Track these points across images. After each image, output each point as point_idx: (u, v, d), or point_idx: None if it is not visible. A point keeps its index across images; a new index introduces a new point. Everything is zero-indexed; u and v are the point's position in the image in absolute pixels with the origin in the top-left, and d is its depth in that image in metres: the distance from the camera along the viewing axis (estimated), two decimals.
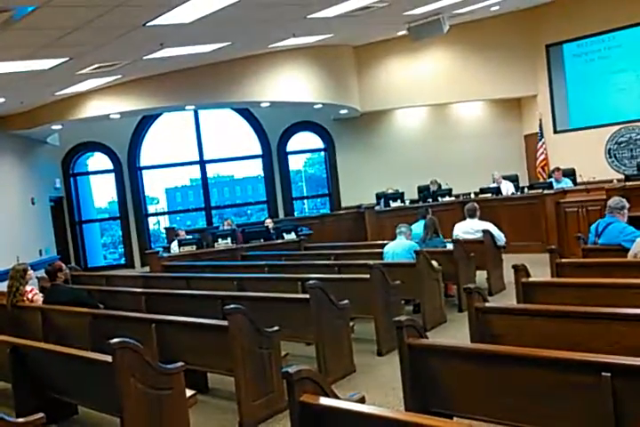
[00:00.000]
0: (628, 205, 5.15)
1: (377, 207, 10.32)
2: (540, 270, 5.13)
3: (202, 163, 12.65)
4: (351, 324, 4.86)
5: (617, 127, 11.26)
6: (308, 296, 4.52)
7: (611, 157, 11.43)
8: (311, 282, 4.54)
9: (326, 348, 4.53)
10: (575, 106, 11.78)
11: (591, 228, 5.39)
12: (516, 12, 11.42)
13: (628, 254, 4.59)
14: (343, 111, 11.81)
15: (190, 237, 9.29)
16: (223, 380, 4.40)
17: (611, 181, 9.49)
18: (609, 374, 2.39)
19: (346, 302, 4.69)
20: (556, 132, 11.93)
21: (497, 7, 10.44)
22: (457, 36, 11.41)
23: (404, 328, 2.97)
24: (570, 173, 10.45)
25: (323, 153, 13.15)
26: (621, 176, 9.88)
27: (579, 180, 10.40)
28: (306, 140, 13.03)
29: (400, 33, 10.55)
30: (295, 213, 12.86)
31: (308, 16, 7.44)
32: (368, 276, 5.22)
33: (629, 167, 10.89)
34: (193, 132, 12.53)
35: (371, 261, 5.42)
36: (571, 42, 11.54)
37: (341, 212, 11.55)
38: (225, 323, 3.89)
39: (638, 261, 4.46)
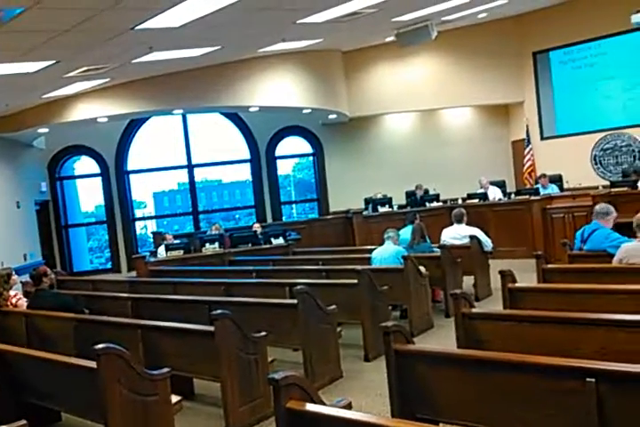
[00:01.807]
0: (614, 212, 5.19)
1: (365, 212, 10.33)
2: (527, 276, 5.16)
3: (190, 167, 12.60)
4: (338, 329, 4.86)
5: (602, 134, 11.38)
6: (295, 301, 4.51)
7: (596, 164, 11.54)
8: (299, 287, 4.54)
9: (313, 353, 4.52)
10: (562, 113, 11.90)
11: (577, 234, 5.42)
12: (503, 19, 11.53)
13: (613, 260, 4.63)
14: (332, 116, 11.84)
15: (178, 241, 9.23)
16: (209, 385, 4.37)
17: (596, 188, 9.58)
18: (593, 380, 2.40)
19: (333, 307, 4.69)
20: (542, 138, 12.03)
21: (484, 14, 10.53)
22: (445, 43, 11.50)
23: (390, 334, 2.97)
24: (556, 180, 10.54)
25: (311, 158, 13.16)
26: (607, 182, 9.99)
27: (565, 186, 10.50)
28: (294, 144, 13.03)
29: (388, 39, 10.59)
30: (284, 218, 12.85)
31: (298, 21, 7.46)
32: (356, 281, 5.22)
33: (615, 174, 11.00)
34: (181, 136, 12.48)
35: (358, 267, 5.42)
36: (557, 49, 11.66)
37: (330, 217, 11.55)
38: (211, 328, 3.87)
39: (623, 266, 4.49)
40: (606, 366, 2.45)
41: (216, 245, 8.54)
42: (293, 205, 14.36)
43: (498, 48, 11.88)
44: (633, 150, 11.12)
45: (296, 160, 14.01)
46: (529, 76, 12.03)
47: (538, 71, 11.97)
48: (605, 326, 3.13)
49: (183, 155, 12.49)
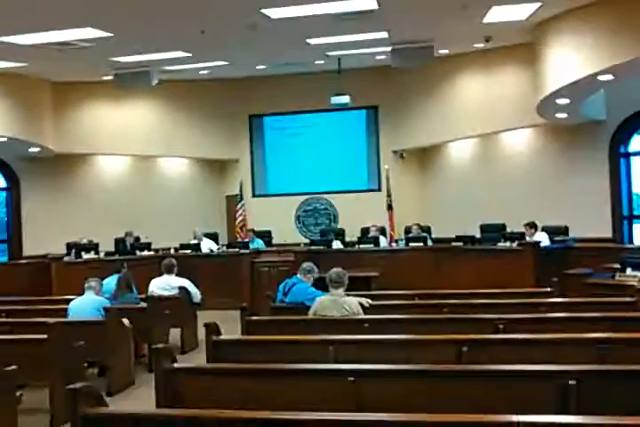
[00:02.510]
0: (316, 271, 5.64)
1: (66, 258, 9.41)
2: (233, 327, 5.22)
3: None
4: (19, 393, 4.17)
5: (305, 197, 12.60)
6: None
7: (300, 223, 12.64)
8: None
9: None
10: (272, 173, 12.85)
11: (279, 287, 5.74)
12: (225, 79, 12.12)
13: (309, 312, 4.97)
14: (34, 149, 10.70)
15: None
16: None
17: (299, 245, 10.45)
18: None
19: (13, 367, 4.02)
20: (254, 195, 12.76)
21: (206, 71, 10.95)
22: (167, 92, 11.59)
23: (79, 396, 2.63)
24: (266, 235, 11.20)
25: (5, 193, 11.62)
26: (307, 241, 10.98)
27: (275, 242, 11.23)
28: None
29: (106, 78, 10.22)
30: None
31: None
32: (45, 336, 4.61)
33: (314, 233, 12.18)
34: None
35: (50, 319, 4.82)
36: (271, 116, 12.70)
37: (23, 261, 10.23)
38: None
39: (316, 318, 4.85)
40: (296, 415, 2.52)
41: None
42: None
43: (218, 105, 12.40)
44: (329, 213, 12.52)
45: None
46: (245, 136, 12.78)
47: (253, 133, 12.81)
48: (300, 376, 3.28)
49: None
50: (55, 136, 10.93)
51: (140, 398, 5.10)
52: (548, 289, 5.94)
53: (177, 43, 8.41)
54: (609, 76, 7.63)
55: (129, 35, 7.67)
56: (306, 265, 5.68)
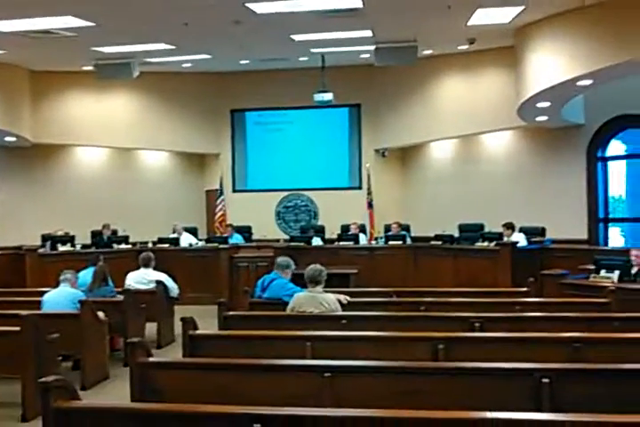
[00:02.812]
0: (292, 265, 5.62)
1: (41, 250, 9.27)
2: (211, 322, 5.19)
3: None
4: None
5: (286, 193, 12.57)
6: None
7: (280, 219, 12.62)
8: None
9: None
10: (253, 169, 12.80)
11: (258, 282, 5.72)
12: (207, 73, 12.04)
13: (287, 308, 4.97)
14: (10, 139, 10.51)
15: None
16: None
17: (278, 241, 10.43)
18: (259, 425, 2.44)
19: None
20: (234, 190, 12.70)
21: (189, 64, 10.86)
22: (148, 84, 11.47)
23: (51, 389, 2.59)
24: (245, 231, 11.17)
25: None
26: (287, 237, 10.97)
27: (255, 237, 11.20)
28: None
29: (87, 68, 10.08)
30: None
31: None
32: (18, 328, 4.54)
33: (294, 229, 12.17)
34: None
35: (23, 311, 4.74)
36: (252, 111, 12.64)
37: None
38: None
39: (294, 314, 4.85)
40: (270, 410, 2.52)
41: None
42: None
43: (200, 99, 12.30)
44: (310, 210, 12.51)
45: None
46: (226, 131, 12.70)
47: (234, 128, 12.74)
48: (276, 371, 3.28)
49: None
50: (32, 126, 10.75)
51: (115, 393, 5.06)
52: (524, 289, 6.02)
53: (160, 35, 8.32)
54: (588, 81, 7.74)
55: (111, 25, 7.57)
56: (281, 260, 5.63)
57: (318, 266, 4.94)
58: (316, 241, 9.84)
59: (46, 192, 11.41)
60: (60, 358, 5.20)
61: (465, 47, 9.69)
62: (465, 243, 8.88)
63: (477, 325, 4.42)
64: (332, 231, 10.50)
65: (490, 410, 2.38)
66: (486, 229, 9.24)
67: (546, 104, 8.55)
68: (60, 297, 5.71)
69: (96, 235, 10.45)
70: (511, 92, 9.30)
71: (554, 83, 7.79)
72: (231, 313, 5.01)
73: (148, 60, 9.79)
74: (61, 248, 9.35)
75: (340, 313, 4.84)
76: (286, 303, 5.04)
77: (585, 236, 9.67)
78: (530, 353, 3.58)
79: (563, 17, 7.65)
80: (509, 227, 8.63)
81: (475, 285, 7.44)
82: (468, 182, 11.15)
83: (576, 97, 8.78)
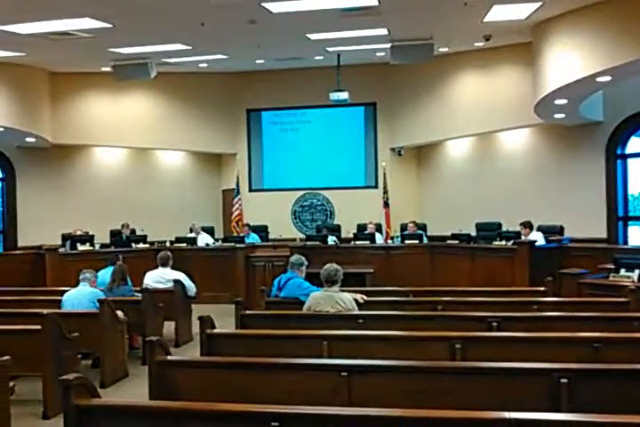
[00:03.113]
0: (306, 263, 5.64)
1: (61, 249, 9.38)
2: (228, 321, 5.23)
3: None
4: (12, 383, 4.17)
5: (302, 192, 12.59)
6: None
7: (296, 219, 12.64)
8: None
9: None
10: (269, 168, 12.83)
11: (274, 281, 5.74)
12: (224, 73, 12.10)
13: (304, 307, 4.98)
14: (30, 139, 10.66)
15: None
16: None
17: (295, 240, 10.45)
18: (277, 424, 2.45)
19: (6, 358, 4.01)
20: (251, 190, 12.74)
21: (205, 64, 10.91)
22: (166, 84, 11.56)
23: (71, 387, 2.63)
24: (262, 230, 11.21)
25: (0, 183, 11.56)
26: (303, 236, 10.99)
27: (271, 236, 11.23)
28: None
29: (105, 69, 10.18)
30: None
31: None
32: (39, 327, 4.61)
33: (310, 229, 12.19)
34: None
35: (44, 310, 4.81)
36: (269, 110, 12.67)
37: (17, 252, 10.19)
38: None
39: (311, 313, 4.85)
40: (288, 409, 2.53)
41: None
42: None
43: (216, 99, 12.37)
44: (326, 209, 12.52)
45: None
46: (242, 131, 12.75)
47: (251, 127, 12.78)
48: (293, 370, 3.29)
49: None
50: (52, 126, 10.90)
51: (134, 391, 5.11)
52: (542, 288, 5.96)
53: (176, 35, 8.38)
54: (607, 78, 7.64)
55: (128, 26, 7.64)
56: (294, 259, 5.65)
57: (334, 265, 4.94)
58: (332, 240, 9.85)
59: (65, 192, 11.55)
60: (80, 356, 5.27)
61: (481, 44, 9.62)
62: (482, 242, 8.82)
63: (495, 324, 4.40)
64: (348, 230, 10.49)
65: (508, 410, 2.37)
66: (503, 228, 9.17)
67: (564, 101, 8.46)
68: (79, 296, 5.78)
69: (115, 234, 10.56)
70: (528, 89, 9.22)
71: (572, 79, 7.71)
72: (248, 312, 5.03)
73: (165, 60, 9.87)
74: (81, 248, 9.46)
75: (357, 312, 4.84)
76: (303, 303, 5.05)
77: (604, 234, 9.56)
78: (548, 353, 3.55)
79: (580, 12, 7.57)
80: (527, 226, 8.55)
81: (492, 284, 7.39)
82: (484, 181, 11.07)
83: (594, 94, 8.67)
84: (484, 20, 7.90)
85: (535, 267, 7.69)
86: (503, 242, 8.37)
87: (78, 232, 10.10)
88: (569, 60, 7.85)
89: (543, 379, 2.98)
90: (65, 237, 9.93)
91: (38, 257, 9.17)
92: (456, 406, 2.70)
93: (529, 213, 9.03)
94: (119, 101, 11.60)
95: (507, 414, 2.34)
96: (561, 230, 8.88)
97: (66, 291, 6.02)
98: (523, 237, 8.40)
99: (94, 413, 2.69)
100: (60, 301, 5.87)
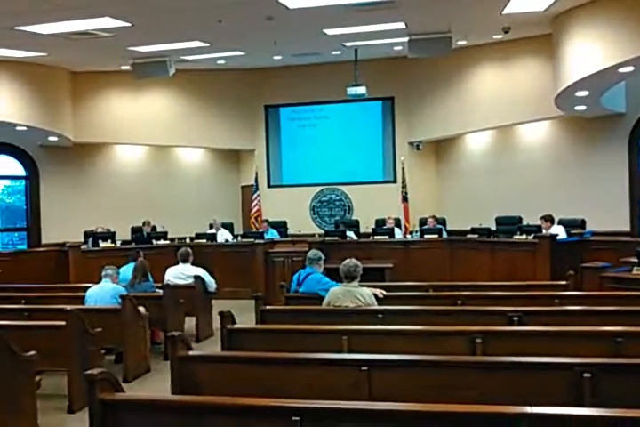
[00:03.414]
0: (323, 257, 5.66)
1: (84, 246, 9.52)
2: (248, 317, 5.27)
3: None
4: (38, 378, 4.25)
5: (320, 188, 12.59)
6: None
7: (314, 214, 12.65)
8: None
9: (1, 408, 3.84)
10: (288, 164, 12.85)
11: (293, 277, 5.76)
12: (241, 70, 12.13)
13: (323, 303, 4.99)
14: (53, 138, 10.81)
15: None
16: None
17: (313, 235, 10.48)
18: (298, 418, 2.47)
19: (32, 353, 4.09)
20: (269, 186, 12.78)
21: (223, 62, 10.95)
22: (184, 82, 11.62)
23: (96, 382, 2.68)
24: (281, 226, 11.25)
25: (24, 181, 11.75)
26: (322, 231, 11.00)
27: (290, 232, 11.27)
28: (3, 164, 11.47)
29: (124, 67, 10.28)
30: None
31: (17, 27, 6.76)
32: (63, 323, 4.69)
33: (329, 224, 12.19)
34: None
35: (68, 306, 4.89)
36: (286, 106, 12.67)
37: (41, 249, 10.36)
38: None
39: (330, 308, 4.86)
40: (309, 403, 2.54)
41: None
42: None
43: (234, 96, 12.40)
44: (344, 204, 12.51)
45: (7, 182, 12.33)
46: (260, 127, 12.77)
47: (269, 123, 12.80)
48: (313, 365, 3.30)
49: None
50: (74, 125, 11.03)
51: (156, 385, 5.17)
52: (564, 282, 5.90)
53: (194, 32, 8.42)
54: (630, 68, 7.51)
55: (147, 24, 7.69)
56: (311, 254, 5.67)
57: (353, 260, 4.94)
58: (350, 235, 9.84)
59: (87, 190, 11.70)
60: (103, 351, 5.35)
61: (500, 36, 9.51)
62: (502, 236, 8.75)
63: (516, 319, 4.37)
64: (367, 225, 10.48)
65: (529, 405, 2.36)
66: (524, 223, 9.09)
67: (585, 93, 8.34)
68: (102, 292, 5.86)
69: (136, 231, 10.67)
70: (548, 81, 9.10)
71: (593, 71, 7.59)
72: (268, 307, 5.06)
73: (184, 57, 9.93)
74: (103, 244, 9.58)
75: (376, 307, 4.84)
76: (322, 298, 5.06)
77: (627, 227, 9.42)
78: (570, 348, 3.52)
79: (600, 2, 7.44)
80: (548, 219, 8.46)
81: (512, 278, 7.34)
82: (504, 174, 10.97)
83: (617, 85, 8.53)
84: (503, 12, 7.81)
85: (556, 261, 7.61)
86: (523, 236, 8.29)
87: (100, 229, 10.23)
88: (590, 51, 7.73)
89: (566, 373, 2.96)
90: (87, 235, 10.07)
91: (62, 254, 9.32)
92: (477, 400, 2.69)
93: (550, 207, 8.93)
94: (139, 99, 11.71)
95: (528, 409, 2.33)
96: (582, 224, 8.77)
97: (89, 287, 6.11)
98: (544, 231, 8.31)
99: (118, 407, 2.74)
100: (84, 297, 5.97)
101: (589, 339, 3.72)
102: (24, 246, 11.54)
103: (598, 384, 2.90)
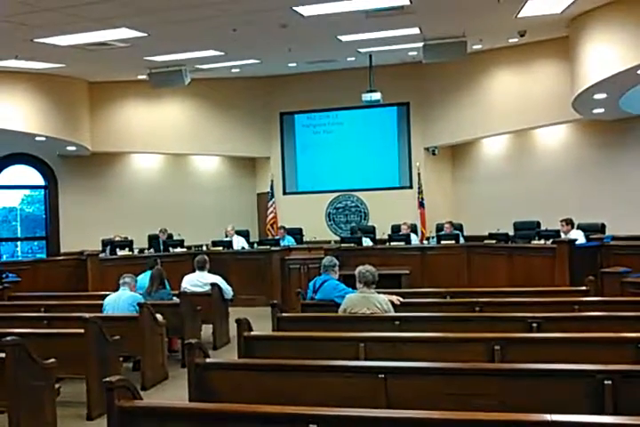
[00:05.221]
0: (338, 263, 5.64)
1: (102, 255, 9.60)
2: (264, 324, 5.26)
3: None
4: (57, 385, 4.29)
5: (336, 194, 12.58)
6: (3, 355, 3.87)
7: (330, 221, 12.64)
8: (9, 338, 3.91)
9: (22, 415, 3.89)
10: (303, 171, 12.87)
11: (310, 284, 5.75)
12: (256, 77, 12.20)
13: (339, 309, 4.97)
14: (71, 148, 10.95)
15: None
16: None
17: (329, 242, 10.46)
18: (315, 426, 2.46)
19: (52, 360, 4.13)
20: (285, 193, 12.80)
21: (238, 70, 11.02)
22: (199, 90, 11.72)
23: (114, 389, 2.69)
24: (297, 233, 11.25)
25: (43, 191, 11.91)
26: (338, 238, 10.99)
27: (305, 239, 11.26)
28: (23, 174, 11.65)
29: (141, 77, 10.39)
30: (3, 257, 11.28)
31: (36, 40, 6.87)
32: (82, 330, 4.72)
33: (345, 230, 12.17)
34: None
35: (87, 314, 4.93)
36: (301, 113, 12.71)
37: (60, 258, 10.48)
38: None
39: (347, 315, 4.84)
40: (326, 411, 2.53)
41: None
42: (18, 243, 12.70)
43: (249, 103, 12.48)
44: (360, 211, 12.49)
45: (26, 192, 12.50)
46: (276, 134, 12.82)
47: (284, 131, 12.84)
48: (329, 372, 3.29)
49: None
50: (91, 135, 11.17)
51: (174, 393, 5.18)
52: (584, 288, 5.82)
53: (209, 41, 8.49)
54: None
55: (162, 34, 7.77)
56: (326, 261, 5.66)
57: (369, 267, 4.92)
58: (366, 242, 9.81)
59: (105, 199, 11.82)
60: (121, 359, 5.38)
61: (515, 40, 9.47)
62: (520, 241, 8.66)
63: (535, 325, 4.32)
64: (383, 232, 10.44)
65: (549, 413, 2.32)
66: (542, 227, 8.99)
67: (603, 96, 8.25)
68: (119, 300, 5.90)
69: (153, 239, 10.74)
70: (565, 84, 9.03)
71: (611, 73, 7.51)
72: (284, 315, 5.05)
73: (199, 66, 10.01)
74: (120, 253, 9.66)
75: (393, 314, 4.81)
76: (338, 305, 5.04)
77: None
78: (591, 354, 3.47)
79: (617, 4, 7.38)
80: (568, 222, 8.35)
81: (531, 284, 7.25)
82: (521, 179, 10.88)
83: (635, 87, 8.43)
84: (519, 15, 7.77)
85: (576, 266, 7.51)
86: (542, 241, 8.20)
87: (118, 238, 10.32)
88: (607, 54, 7.66)
89: (586, 381, 2.91)
90: (105, 243, 10.16)
91: (80, 262, 9.41)
92: (496, 408, 2.66)
93: (568, 212, 8.82)
94: (155, 108, 11.82)
95: (548, 417, 2.29)
96: (602, 228, 8.65)
97: (107, 295, 6.16)
98: (562, 235, 8.21)
99: (136, 414, 2.75)
100: (102, 305, 6.01)
101: (610, 345, 3.66)
102: (43, 255, 11.67)
103: (619, 392, 2.85)
